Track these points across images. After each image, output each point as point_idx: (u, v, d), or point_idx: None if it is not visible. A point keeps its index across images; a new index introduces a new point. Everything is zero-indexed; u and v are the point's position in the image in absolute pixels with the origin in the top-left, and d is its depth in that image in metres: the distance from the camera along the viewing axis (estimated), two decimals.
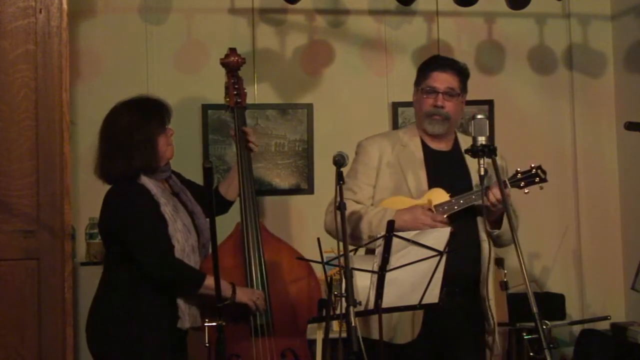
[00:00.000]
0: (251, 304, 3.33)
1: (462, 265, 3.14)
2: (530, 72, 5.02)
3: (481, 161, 3.03)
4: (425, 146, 3.38)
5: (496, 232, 3.22)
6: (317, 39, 4.82)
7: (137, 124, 3.24)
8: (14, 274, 3.18)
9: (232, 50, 3.70)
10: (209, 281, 3.17)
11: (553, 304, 4.63)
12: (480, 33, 4.97)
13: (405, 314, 3.15)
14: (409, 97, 4.82)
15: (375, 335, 3.10)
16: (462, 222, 3.20)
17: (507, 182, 3.23)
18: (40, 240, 3.21)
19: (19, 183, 3.20)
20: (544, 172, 3.24)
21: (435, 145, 3.39)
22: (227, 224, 3.54)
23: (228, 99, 3.66)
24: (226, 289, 3.23)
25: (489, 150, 3.03)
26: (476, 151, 3.05)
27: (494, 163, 3.00)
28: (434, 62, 3.45)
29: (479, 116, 3.13)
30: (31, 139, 3.21)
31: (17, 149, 3.19)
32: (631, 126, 3.31)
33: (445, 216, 3.19)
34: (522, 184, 3.22)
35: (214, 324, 2.72)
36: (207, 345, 2.75)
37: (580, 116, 5.05)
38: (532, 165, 3.25)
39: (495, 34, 4.98)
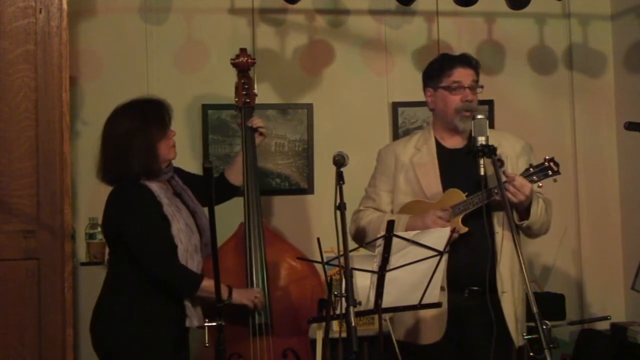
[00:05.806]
0: (250, 303, 3.33)
1: (481, 263, 3.13)
2: (530, 72, 5.01)
3: (481, 161, 3.04)
4: (439, 146, 3.36)
5: (525, 223, 3.18)
6: (317, 39, 4.82)
7: (137, 129, 3.23)
8: (14, 274, 3.18)
9: (243, 51, 3.76)
10: (207, 283, 3.18)
11: (553, 304, 4.63)
12: (480, 33, 4.96)
13: (428, 316, 3.16)
14: (409, 97, 4.82)
15: (398, 336, 3.26)
16: (477, 221, 3.16)
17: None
18: (40, 240, 3.21)
19: (19, 183, 3.20)
20: (556, 165, 3.19)
21: (451, 143, 3.36)
22: (230, 224, 3.54)
23: (237, 99, 3.72)
24: (223, 292, 3.15)
25: (488, 150, 3.04)
26: (476, 151, 3.06)
27: (494, 162, 3.01)
28: (452, 58, 3.41)
29: (479, 116, 3.13)
30: (31, 139, 3.21)
31: (17, 149, 3.19)
32: (631, 126, 3.31)
33: (461, 217, 3.16)
34: (535, 178, 3.17)
35: (214, 324, 2.72)
36: (207, 345, 2.75)
37: (580, 116, 5.04)
38: (546, 158, 3.20)
39: (495, 34, 4.98)
